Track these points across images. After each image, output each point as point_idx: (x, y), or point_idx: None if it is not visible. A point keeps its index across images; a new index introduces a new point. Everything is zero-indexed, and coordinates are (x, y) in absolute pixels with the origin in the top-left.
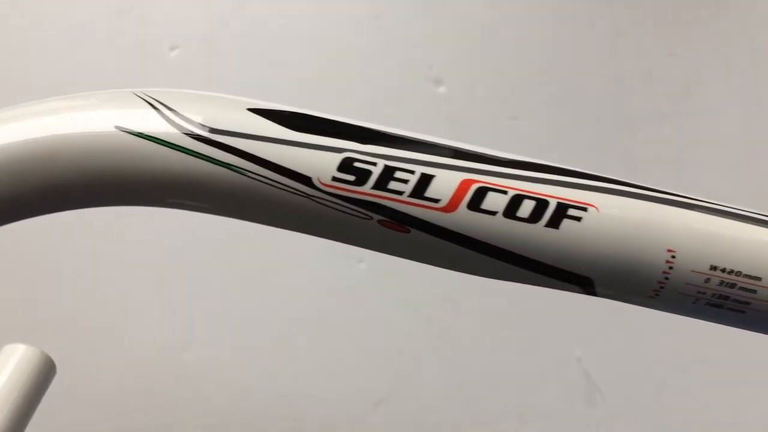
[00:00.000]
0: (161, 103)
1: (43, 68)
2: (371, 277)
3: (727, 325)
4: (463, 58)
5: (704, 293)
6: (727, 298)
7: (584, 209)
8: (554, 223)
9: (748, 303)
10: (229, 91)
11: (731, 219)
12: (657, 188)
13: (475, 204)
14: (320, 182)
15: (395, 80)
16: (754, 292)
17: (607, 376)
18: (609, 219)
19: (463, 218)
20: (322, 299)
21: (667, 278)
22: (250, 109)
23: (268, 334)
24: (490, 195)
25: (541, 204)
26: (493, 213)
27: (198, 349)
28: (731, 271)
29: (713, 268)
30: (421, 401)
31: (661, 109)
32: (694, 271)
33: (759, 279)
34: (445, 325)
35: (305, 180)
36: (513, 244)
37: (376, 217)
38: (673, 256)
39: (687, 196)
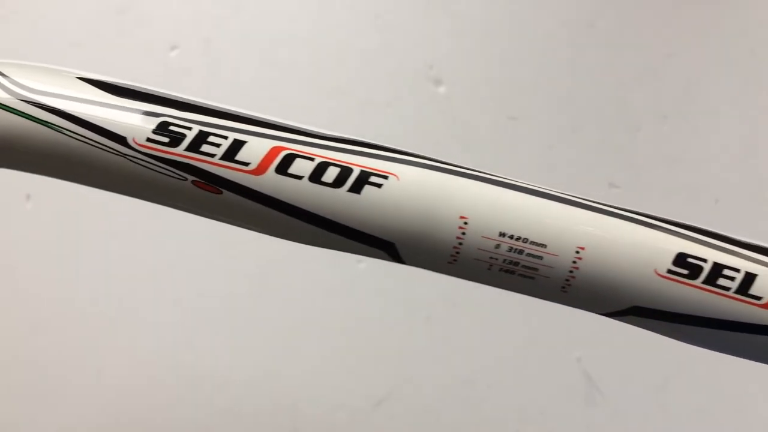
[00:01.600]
0: None
1: None
2: (371, 276)
3: (523, 293)
4: (463, 58)
5: (496, 259)
6: (517, 263)
7: (385, 177)
8: (356, 188)
9: (536, 269)
10: (228, 91)
11: (519, 191)
12: (453, 162)
13: (283, 168)
14: (135, 142)
15: (395, 80)
16: (541, 258)
17: (607, 376)
18: (407, 186)
19: (271, 181)
20: (321, 299)
21: (461, 243)
22: (79, 78)
23: (268, 334)
24: (298, 161)
25: (345, 171)
26: (300, 177)
27: (198, 349)
28: (518, 238)
29: (502, 234)
30: (421, 401)
31: (661, 109)
32: (484, 237)
33: (544, 246)
34: (444, 325)
35: (120, 139)
36: (318, 207)
37: (190, 177)
38: (466, 223)
39: (481, 170)
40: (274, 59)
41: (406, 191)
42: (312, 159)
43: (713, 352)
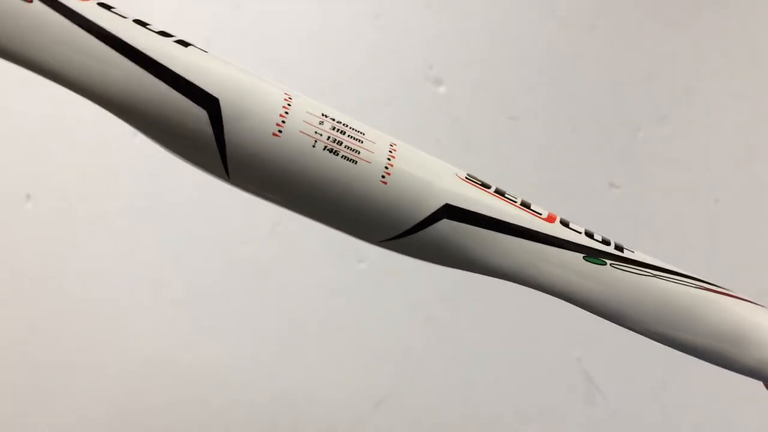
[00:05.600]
0: None
1: None
2: (371, 277)
3: (345, 190)
4: (463, 58)
5: (320, 134)
6: (340, 143)
7: None
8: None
9: (358, 151)
10: None
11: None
12: None
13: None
14: None
15: (395, 80)
16: (361, 141)
17: (607, 376)
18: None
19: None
20: (321, 299)
21: (287, 112)
22: None
23: (268, 334)
24: None
25: None
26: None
27: (198, 349)
28: (339, 122)
29: (325, 115)
30: (421, 401)
31: (661, 109)
32: (309, 113)
33: (363, 133)
34: (444, 325)
35: None
36: (142, 44)
37: None
38: (290, 97)
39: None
40: (274, 59)
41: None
42: None
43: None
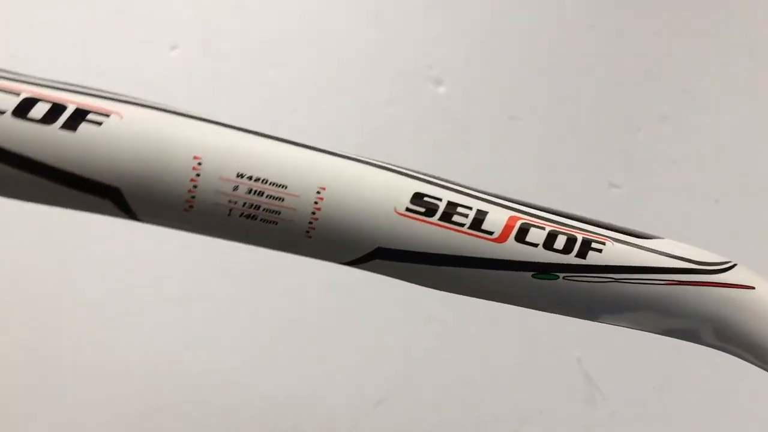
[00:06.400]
0: None
1: (43, 68)
2: (371, 277)
3: (268, 247)
4: (463, 58)
5: (236, 202)
6: (258, 207)
7: (106, 115)
8: (71, 126)
9: (278, 212)
10: (228, 91)
11: (257, 135)
12: (179, 110)
13: None
14: None
15: (395, 80)
16: (282, 200)
17: (607, 376)
18: (132, 125)
19: None
20: (321, 299)
21: (196, 186)
22: None
23: (268, 334)
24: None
25: (58, 108)
26: (1, 112)
27: (197, 349)
28: (258, 179)
29: (240, 175)
30: (421, 401)
31: (661, 109)
32: (222, 178)
33: (285, 187)
34: (444, 325)
35: None
36: (25, 147)
37: None
38: (200, 163)
39: (217, 120)
40: (274, 59)
41: (131, 129)
42: (17, 94)
43: (713, 351)
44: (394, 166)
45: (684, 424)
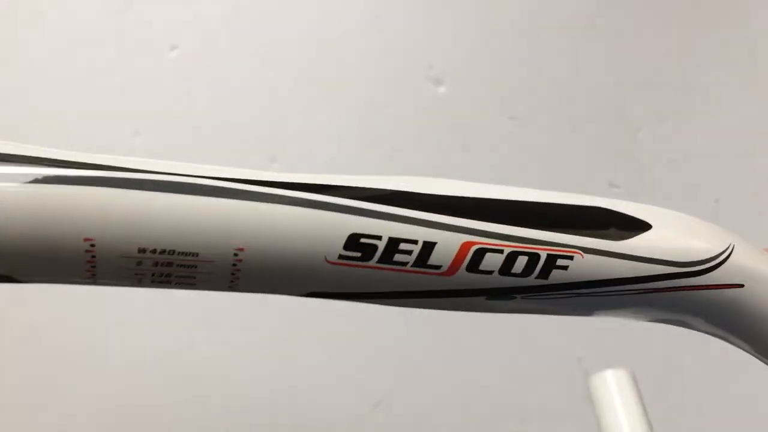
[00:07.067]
0: None
1: (43, 68)
2: None
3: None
4: (463, 58)
5: (144, 274)
6: (169, 275)
7: None
8: None
9: (193, 277)
10: (228, 92)
11: (163, 191)
12: (84, 162)
13: None
14: None
15: (395, 80)
16: (195, 266)
17: None
18: (16, 207)
19: None
20: (321, 299)
21: (94, 267)
22: None
23: (268, 334)
24: None
25: None
26: None
27: (198, 349)
28: (163, 251)
29: (142, 250)
30: (421, 401)
31: (661, 109)
32: (122, 256)
33: (196, 255)
34: (444, 325)
35: None
36: None
37: None
38: (93, 245)
39: (120, 165)
40: (274, 59)
41: (14, 213)
42: None
43: (713, 352)
44: (329, 197)
45: (684, 424)
